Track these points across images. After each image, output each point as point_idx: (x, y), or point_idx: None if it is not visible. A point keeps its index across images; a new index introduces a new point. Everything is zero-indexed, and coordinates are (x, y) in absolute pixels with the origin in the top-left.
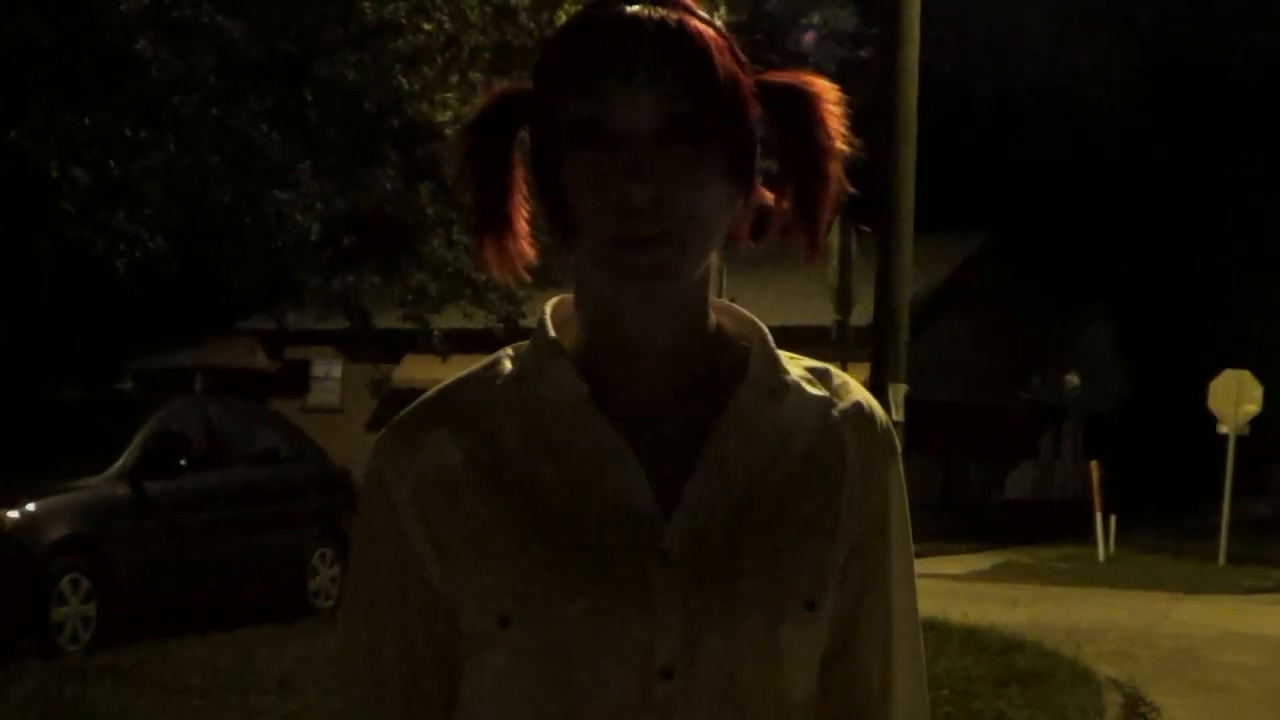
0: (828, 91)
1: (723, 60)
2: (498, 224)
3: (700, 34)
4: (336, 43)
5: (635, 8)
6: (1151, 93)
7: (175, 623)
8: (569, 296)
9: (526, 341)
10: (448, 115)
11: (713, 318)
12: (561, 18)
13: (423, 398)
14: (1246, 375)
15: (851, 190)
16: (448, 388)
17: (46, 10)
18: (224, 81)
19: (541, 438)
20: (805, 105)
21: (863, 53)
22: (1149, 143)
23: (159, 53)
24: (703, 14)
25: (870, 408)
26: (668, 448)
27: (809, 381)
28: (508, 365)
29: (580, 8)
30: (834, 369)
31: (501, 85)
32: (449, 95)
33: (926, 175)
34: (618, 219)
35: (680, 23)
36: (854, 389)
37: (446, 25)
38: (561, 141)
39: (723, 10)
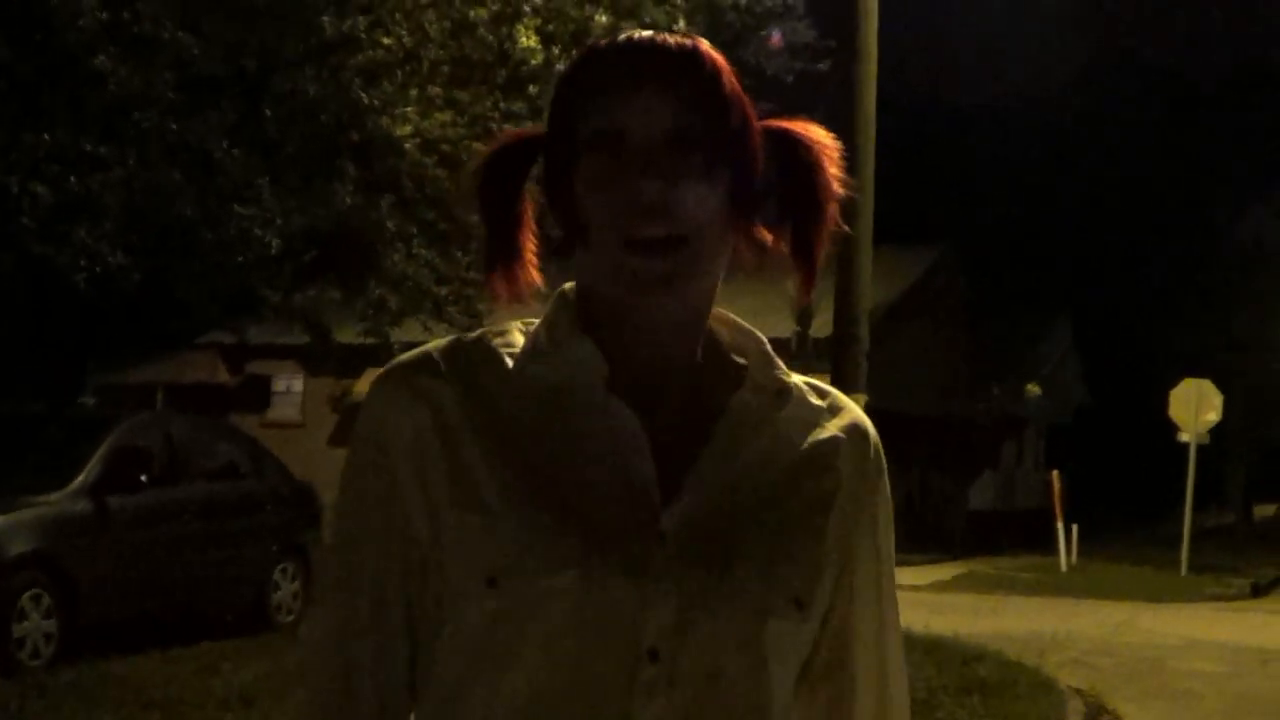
0: (828, 139)
1: (731, 86)
2: (508, 254)
3: (711, 57)
4: (296, 58)
5: (649, 32)
6: (1111, 104)
7: (137, 638)
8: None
9: (534, 319)
10: (407, 129)
11: (712, 328)
12: (521, 32)
13: (429, 346)
14: (1207, 384)
15: (846, 229)
16: (456, 345)
17: (5, 26)
18: (184, 97)
19: (551, 411)
20: (809, 153)
21: (821, 65)
22: (1109, 154)
23: (119, 68)
24: (712, 45)
25: (865, 426)
26: (669, 440)
27: (810, 391)
28: (519, 337)
29: (538, 23)
30: (831, 388)
31: (512, 130)
32: (408, 109)
33: (886, 186)
34: (628, 217)
35: (694, 45)
36: (851, 406)
37: (405, 40)
38: (576, 150)
39: (681, 24)
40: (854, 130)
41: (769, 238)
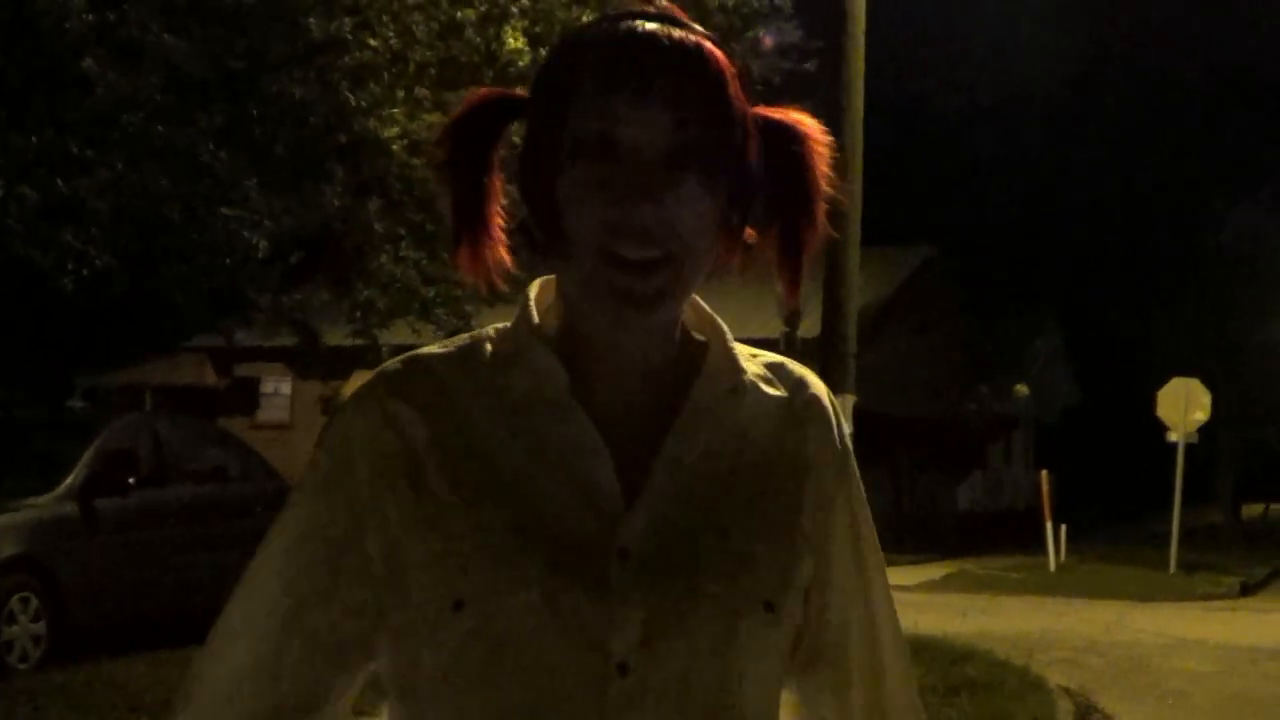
0: (818, 132)
1: (735, 90)
2: (475, 228)
3: (717, 61)
4: (283, 60)
5: (653, 25)
6: (1100, 105)
7: (125, 641)
8: (552, 279)
9: (507, 324)
10: (395, 131)
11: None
12: (508, 34)
13: (397, 363)
14: (1195, 383)
15: (834, 234)
16: (424, 359)
17: None
18: (171, 99)
19: (515, 425)
20: (800, 145)
21: (808, 65)
22: (1099, 155)
23: (106, 71)
24: (715, 40)
25: (826, 407)
26: (633, 443)
27: (767, 381)
28: (488, 347)
29: (525, 24)
30: (790, 361)
31: (483, 89)
32: (396, 111)
33: (874, 186)
34: (614, 236)
35: (699, 46)
36: (811, 382)
37: (393, 41)
38: (562, 150)
39: None
40: (842, 130)
41: (752, 235)
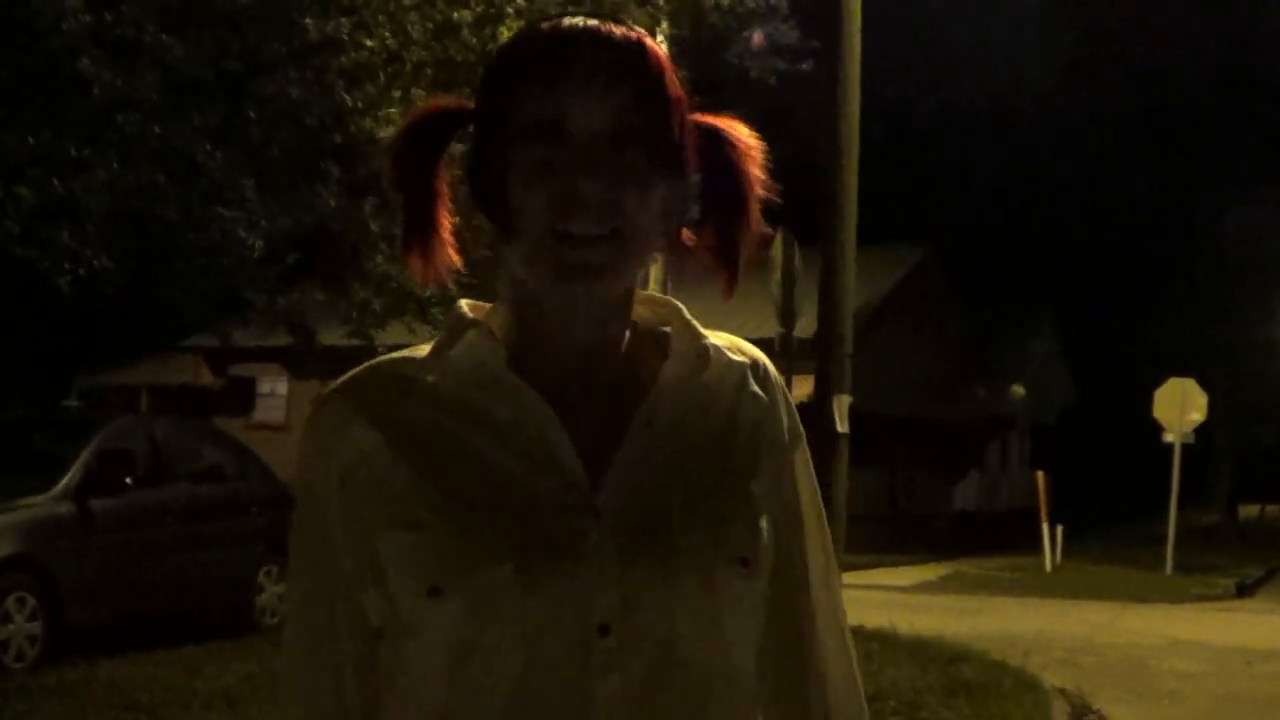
0: (753, 139)
1: (672, 82)
2: (424, 230)
3: (656, 56)
4: (279, 60)
5: (594, 22)
6: (1097, 105)
7: (121, 640)
8: (483, 303)
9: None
10: (390, 131)
11: (635, 310)
12: (504, 34)
13: (334, 388)
14: (1191, 384)
15: (769, 231)
16: (363, 371)
17: None
18: (167, 99)
19: (461, 408)
20: (731, 148)
21: (804, 65)
22: (1095, 155)
23: (102, 71)
24: (655, 41)
25: (778, 376)
26: (592, 422)
27: (730, 349)
28: (425, 349)
29: (521, 25)
30: (742, 341)
31: (434, 99)
32: (392, 111)
33: (869, 186)
34: (561, 213)
35: (640, 42)
36: (761, 356)
37: (389, 42)
38: (511, 137)
39: (665, 24)
40: (838, 131)
41: (691, 239)
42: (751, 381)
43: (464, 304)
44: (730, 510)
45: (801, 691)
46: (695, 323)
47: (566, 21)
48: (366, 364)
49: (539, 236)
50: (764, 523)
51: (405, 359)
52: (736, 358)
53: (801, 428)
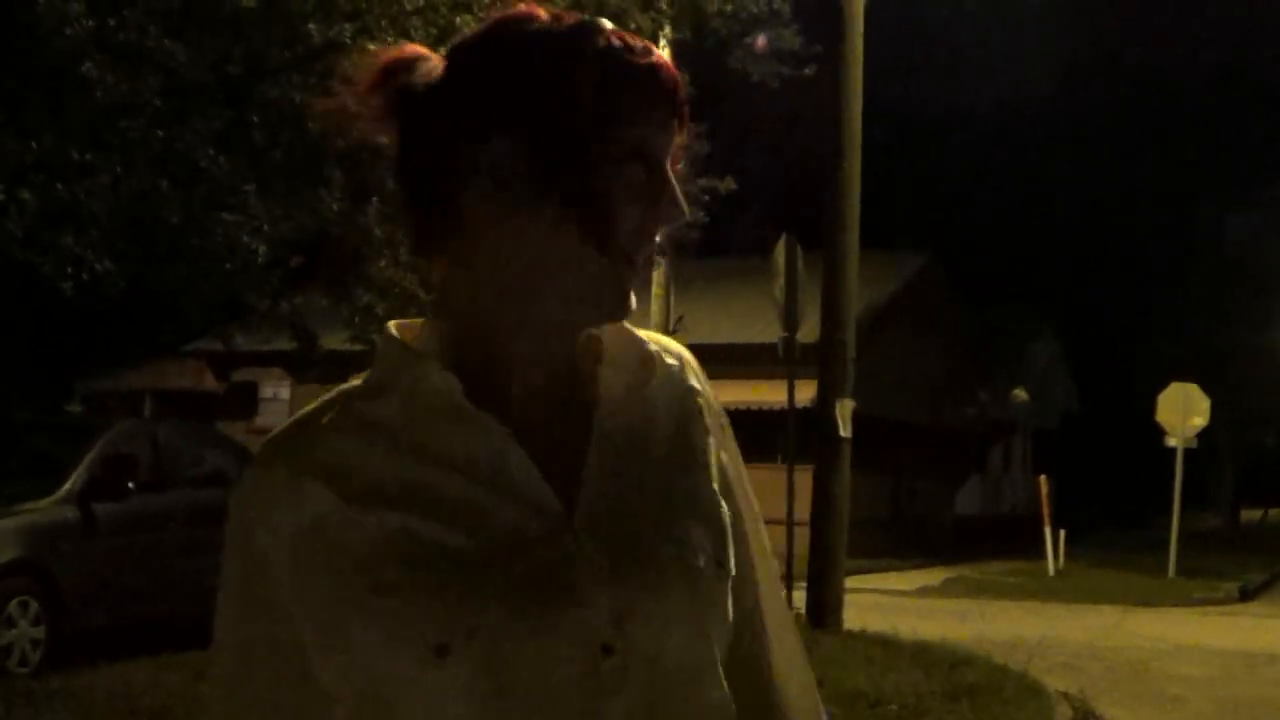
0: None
1: None
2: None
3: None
4: (282, 65)
5: (669, 62)
6: (1099, 110)
7: (125, 644)
8: (411, 322)
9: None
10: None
11: None
12: None
13: (281, 436)
14: (1193, 388)
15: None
16: (307, 423)
17: None
18: (170, 104)
19: (421, 447)
20: None
21: (807, 71)
22: (1097, 160)
23: (105, 76)
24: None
25: (702, 373)
26: (552, 442)
27: (663, 350)
28: (357, 382)
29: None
30: (662, 336)
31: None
32: None
33: (872, 192)
34: (650, 240)
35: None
36: (685, 353)
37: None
38: (615, 153)
39: (668, 29)
40: (840, 135)
41: None
42: (690, 377)
43: (394, 326)
44: (700, 513)
45: (757, 684)
46: (627, 324)
47: (643, 61)
48: (304, 411)
49: (623, 259)
50: (727, 520)
51: (345, 398)
52: (671, 360)
53: (725, 414)
